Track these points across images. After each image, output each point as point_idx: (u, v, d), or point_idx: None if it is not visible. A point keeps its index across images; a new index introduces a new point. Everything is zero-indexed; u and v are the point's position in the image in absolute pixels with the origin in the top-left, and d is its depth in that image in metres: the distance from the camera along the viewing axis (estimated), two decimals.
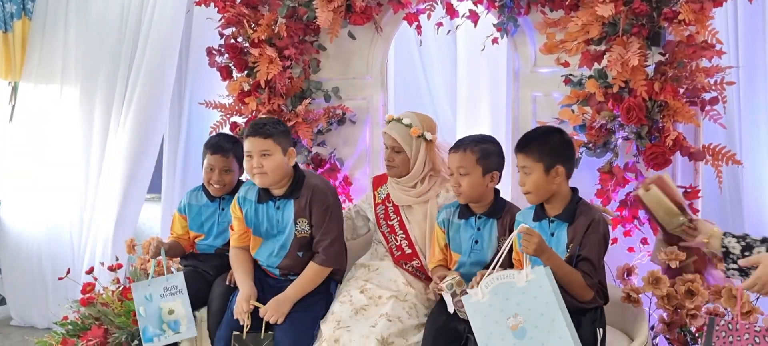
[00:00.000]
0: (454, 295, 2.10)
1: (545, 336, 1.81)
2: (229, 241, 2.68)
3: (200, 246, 2.82)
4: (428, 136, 2.53)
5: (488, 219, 2.34)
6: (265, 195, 2.52)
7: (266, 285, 2.55)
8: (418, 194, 2.53)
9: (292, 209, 2.48)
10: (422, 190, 2.53)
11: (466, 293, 2.00)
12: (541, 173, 2.09)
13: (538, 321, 1.82)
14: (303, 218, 2.47)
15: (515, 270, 1.88)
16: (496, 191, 2.39)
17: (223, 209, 2.78)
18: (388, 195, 2.60)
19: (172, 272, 2.60)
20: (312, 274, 2.47)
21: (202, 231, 2.79)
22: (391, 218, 2.56)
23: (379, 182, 2.69)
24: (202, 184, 2.83)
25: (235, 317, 2.40)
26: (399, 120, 2.54)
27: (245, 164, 2.47)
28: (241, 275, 2.50)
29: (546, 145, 2.11)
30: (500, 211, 2.35)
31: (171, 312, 2.51)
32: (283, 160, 2.43)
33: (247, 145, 2.41)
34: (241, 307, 2.39)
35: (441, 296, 2.37)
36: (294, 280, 2.49)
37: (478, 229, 2.33)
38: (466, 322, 2.14)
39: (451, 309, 2.13)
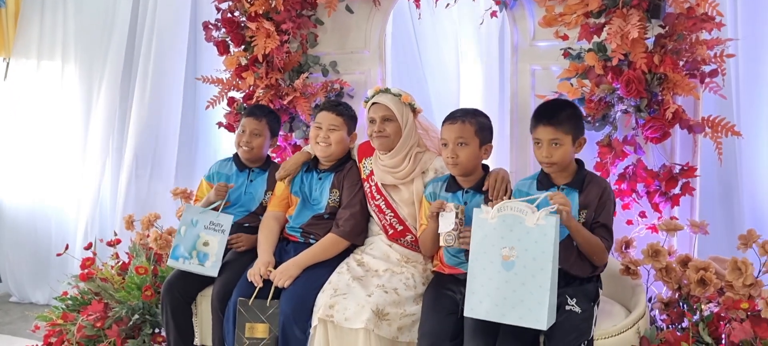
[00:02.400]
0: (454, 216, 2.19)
1: (529, 278, 1.91)
2: (249, 214, 2.78)
3: None
4: (416, 105, 2.55)
5: (475, 193, 2.35)
6: (312, 165, 2.70)
7: (284, 252, 2.60)
8: (402, 176, 2.50)
9: (331, 180, 2.63)
10: (406, 172, 2.50)
11: (463, 227, 2.16)
12: (570, 145, 2.13)
13: (529, 263, 1.91)
14: (337, 189, 2.62)
15: (530, 209, 1.94)
16: (484, 166, 2.41)
17: (251, 181, 2.82)
18: (371, 172, 2.59)
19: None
20: (328, 243, 2.53)
21: (228, 199, 2.80)
22: (376, 197, 2.55)
23: (364, 152, 2.67)
24: (234, 154, 2.87)
25: (248, 279, 2.45)
26: (387, 90, 2.55)
27: (311, 133, 2.65)
28: (263, 244, 2.59)
29: (574, 118, 2.16)
30: None
31: (206, 244, 2.60)
32: (346, 139, 2.64)
33: (319, 118, 2.63)
34: (257, 270, 2.45)
35: (436, 272, 2.40)
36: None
37: (465, 203, 2.34)
38: (462, 293, 2.16)
39: (445, 228, 2.20)
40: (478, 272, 1.99)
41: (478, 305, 1.99)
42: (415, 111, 2.56)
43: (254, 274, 2.45)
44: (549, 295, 1.89)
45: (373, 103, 2.53)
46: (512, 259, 1.94)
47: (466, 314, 2.02)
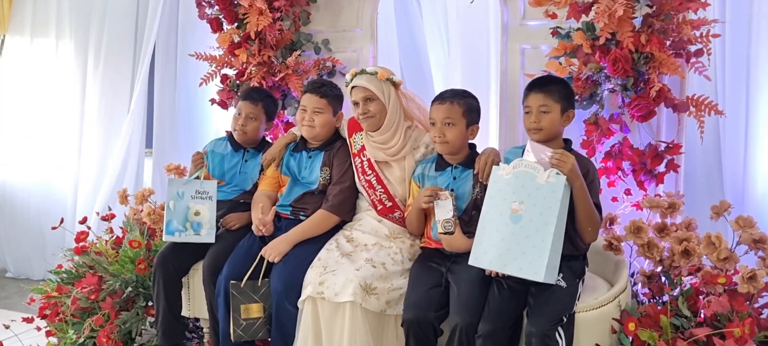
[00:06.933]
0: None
1: (533, 232, 2.01)
2: (243, 193, 2.81)
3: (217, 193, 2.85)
4: (395, 78, 2.56)
5: (465, 169, 2.40)
6: (302, 145, 2.71)
7: (276, 229, 2.62)
8: (393, 153, 2.53)
9: (321, 159, 2.65)
10: (397, 148, 2.53)
11: (457, 214, 2.26)
12: (558, 114, 2.20)
13: (535, 218, 2.02)
14: (327, 167, 2.63)
15: (542, 167, 2.05)
16: (471, 145, 2.46)
17: (246, 161, 2.86)
18: (363, 147, 2.60)
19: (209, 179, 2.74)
20: (318, 219, 2.56)
21: (223, 178, 2.84)
22: (368, 173, 2.57)
23: (353, 127, 2.67)
24: (229, 134, 2.90)
25: (257, 233, 2.54)
26: (362, 71, 2.56)
27: (297, 115, 2.67)
28: (257, 210, 2.61)
29: (564, 89, 2.23)
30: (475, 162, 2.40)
31: (197, 214, 2.64)
32: (331, 120, 2.65)
33: (304, 100, 2.63)
34: (257, 223, 2.52)
35: (423, 247, 2.44)
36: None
37: (454, 178, 2.39)
38: (448, 267, 2.27)
39: (442, 216, 2.25)
40: (488, 224, 2.10)
41: (482, 255, 2.09)
42: (395, 84, 2.57)
43: (257, 227, 2.53)
44: (550, 251, 1.97)
45: (353, 87, 2.55)
46: (520, 212, 2.04)
47: (470, 262, 2.11)
